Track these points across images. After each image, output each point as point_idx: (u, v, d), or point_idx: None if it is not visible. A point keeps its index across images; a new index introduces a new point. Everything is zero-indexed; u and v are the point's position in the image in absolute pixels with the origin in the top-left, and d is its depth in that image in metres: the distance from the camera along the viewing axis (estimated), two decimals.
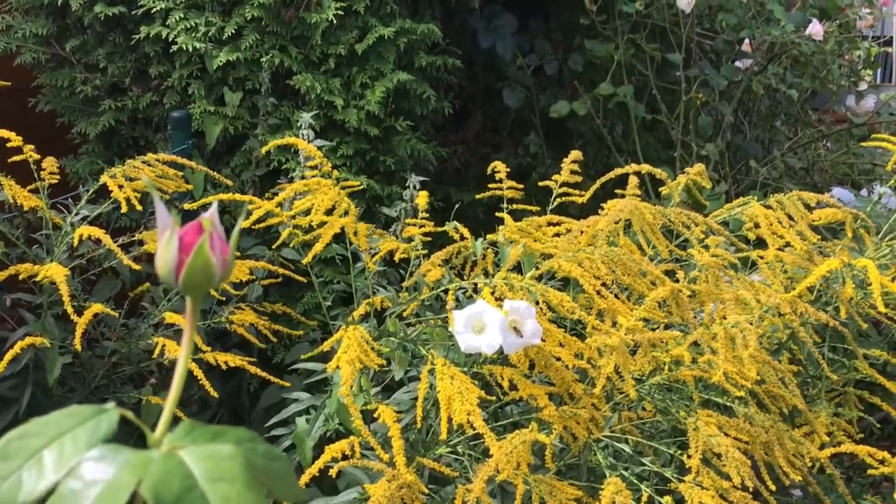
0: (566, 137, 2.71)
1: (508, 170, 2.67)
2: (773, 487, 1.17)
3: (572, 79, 2.49)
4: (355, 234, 1.19)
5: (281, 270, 1.51)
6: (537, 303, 1.20)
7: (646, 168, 1.52)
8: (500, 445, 1.02)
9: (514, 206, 1.61)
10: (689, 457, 1.10)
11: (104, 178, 1.37)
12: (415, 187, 1.71)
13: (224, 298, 1.80)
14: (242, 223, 1.28)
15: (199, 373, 1.33)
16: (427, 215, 2.32)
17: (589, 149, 2.72)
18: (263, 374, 1.44)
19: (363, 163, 2.08)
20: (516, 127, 2.78)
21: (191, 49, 2.00)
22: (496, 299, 1.19)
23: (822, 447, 1.38)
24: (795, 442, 1.22)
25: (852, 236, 1.53)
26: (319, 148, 1.73)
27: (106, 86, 2.16)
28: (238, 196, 1.24)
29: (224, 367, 1.46)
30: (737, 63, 2.80)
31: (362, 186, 1.41)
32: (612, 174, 1.50)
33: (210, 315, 1.77)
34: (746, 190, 2.52)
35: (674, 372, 1.19)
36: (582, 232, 1.39)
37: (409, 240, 1.45)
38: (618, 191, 1.68)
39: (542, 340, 1.17)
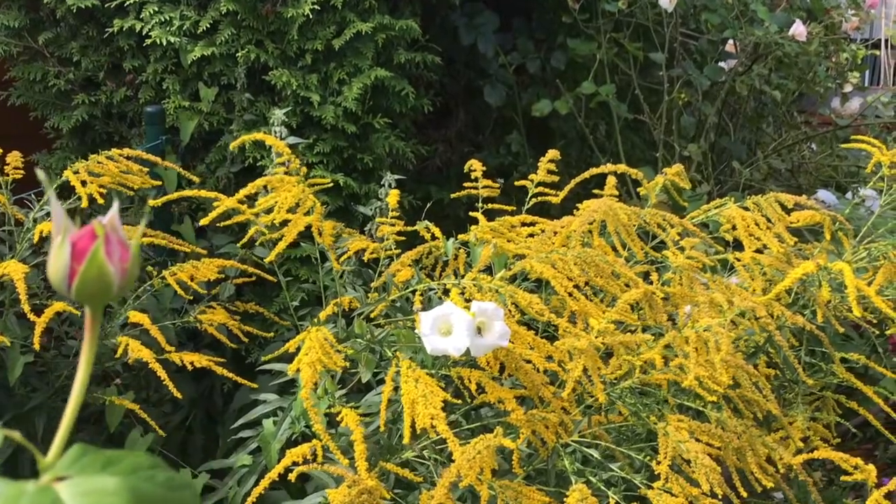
0: (549, 137, 2.69)
1: (488, 169, 2.65)
2: (744, 494, 1.15)
3: (555, 77, 2.46)
4: (320, 233, 1.16)
5: (250, 269, 1.48)
6: (515, 305, 1.18)
7: (622, 168, 1.50)
8: (463, 451, 0.99)
9: (490, 206, 1.58)
10: (658, 462, 1.07)
11: (67, 174, 1.33)
12: (390, 185, 1.68)
13: (192, 298, 1.78)
14: (204, 221, 1.25)
15: (162, 374, 1.30)
16: (403, 214, 2.29)
17: (572, 149, 2.70)
18: (231, 375, 1.42)
19: (340, 160, 2.05)
20: (499, 126, 2.76)
21: (165, 43, 1.97)
22: (466, 301, 1.16)
23: (798, 452, 1.36)
24: (768, 448, 1.19)
25: (831, 239, 1.51)
26: (294, 145, 1.71)
27: (79, 80, 2.13)
28: (203, 192, 1.21)
29: (190, 367, 1.43)
30: (721, 64, 2.78)
31: (330, 184, 1.38)
32: (587, 174, 1.48)
33: (182, 314, 1.74)
34: (729, 192, 2.50)
35: (646, 376, 1.17)
36: (556, 233, 1.37)
37: (384, 239, 1.43)
38: (597, 191, 1.66)
39: (511, 343, 1.15)
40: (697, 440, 1.15)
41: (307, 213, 1.16)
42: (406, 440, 1.02)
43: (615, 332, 1.21)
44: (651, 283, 1.33)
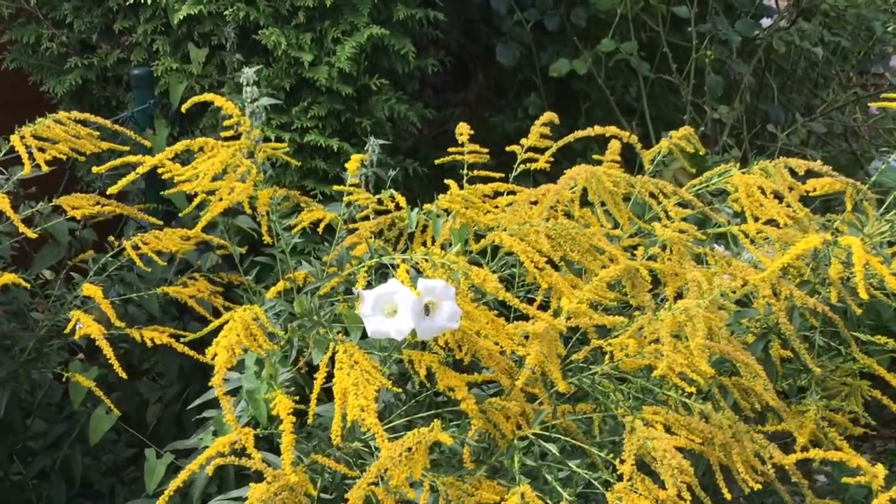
0: (572, 99, 2.54)
1: (506, 134, 2.51)
2: (727, 496, 1.02)
3: (575, 35, 2.31)
4: (251, 204, 1.06)
5: (216, 240, 1.39)
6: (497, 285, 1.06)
7: (612, 130, 1.36)
8: (391, 447, 0.89)
9: (476, 173, 1.46)
10: (622, 461, 0.96)
11: (13, 138, 1.26)
12: (374, 151, 1.57)
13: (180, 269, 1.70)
14: (170, 192, 1.16)
15: (108, 351, 1.22)
16: (413, 184, 2.18)
17: (597, 112, 2.54)
18: (192, 353, 1.34)
19: (338, 124, 1.94)
20: (524, 89, 2.62)
21: (153, 2, 1.88)
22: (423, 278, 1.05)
23: (804, 448, 1.23)
24: (757, 444, 1.06)
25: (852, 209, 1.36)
26: (267, 107, 1.61)
27: (74, 43, 2.06)
28: (138, 157, 1.11)
29: (150, 343, 1.35)
30: (762, 20, 2.58)
31: (286, 148, 1.28)
32: (571, 137, 1.34)
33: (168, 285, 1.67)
34: (764, 158, 2.32)
35: (616, 362, 1.04)
36: (535, 202, 1.25)
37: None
38: (597, 157, 1.52)
39: (470, 323, 1.04)
40: (675, 434, 1.02)
41: (241, 180, 1.06)
42: (334, 435, 0.92)
43: (589, 312, 1.09)
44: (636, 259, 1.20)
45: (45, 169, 1.24)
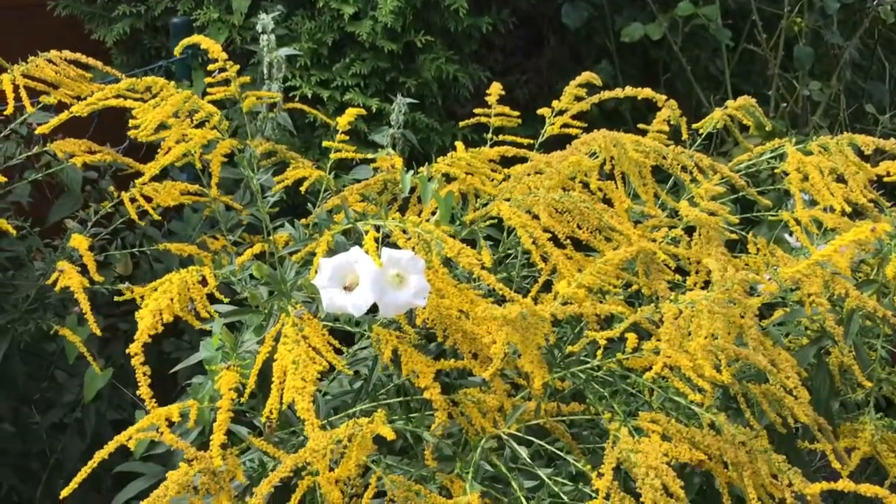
0: (649, 68, 2.35)
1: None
2: None
3: None
4: (199, 155, 0.95)
5: (203, 200, 1.30)
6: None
7: (646, 93, 1.20)
8: (317, 437, 0.77)
9: (503, 137, 1.32)
10: (600, 475, 0.81)
11: (3, 78, 1.19)
12: (400, 110, 1.45)
13: None
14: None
15: (85, 305, 1.15)
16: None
17: (678, 82, 2.35)
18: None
19: (382, 84, 1.83)
20: (602, 56, 2.44)
21: None
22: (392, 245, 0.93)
23: (858, 475, 1.05)
24: (776, 467, 0.90)
25: None
26: (288, 57, 1.51)
27: None
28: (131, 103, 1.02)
29: (140, 300, 1.27)
30: None
31: (276, 97, 1.17)
32: (595, 98, 1.19)
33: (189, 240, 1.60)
34: None
35: (608, 360, 0.90)
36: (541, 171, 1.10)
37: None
38: (641, 126, 1.35)
39: (445, 300, 0.91)
40: (672, 445, 0.87)
41: (197, 127, 0.96)
42: (264, 418, 0.81)
43: (589, 299, 0.94)
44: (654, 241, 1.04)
45: (30, 110, 1.16)
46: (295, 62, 1.76)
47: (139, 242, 1.62)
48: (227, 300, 1.04)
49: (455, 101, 2.01)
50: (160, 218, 1.31)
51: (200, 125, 0.94)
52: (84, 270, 1.27)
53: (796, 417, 1.01)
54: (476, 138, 2.02)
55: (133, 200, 1.30)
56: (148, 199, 1.34)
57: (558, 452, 0.86)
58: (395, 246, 0.94)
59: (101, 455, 0.86)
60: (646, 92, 1.20)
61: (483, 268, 0.89)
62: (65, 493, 0.85)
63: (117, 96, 0.98)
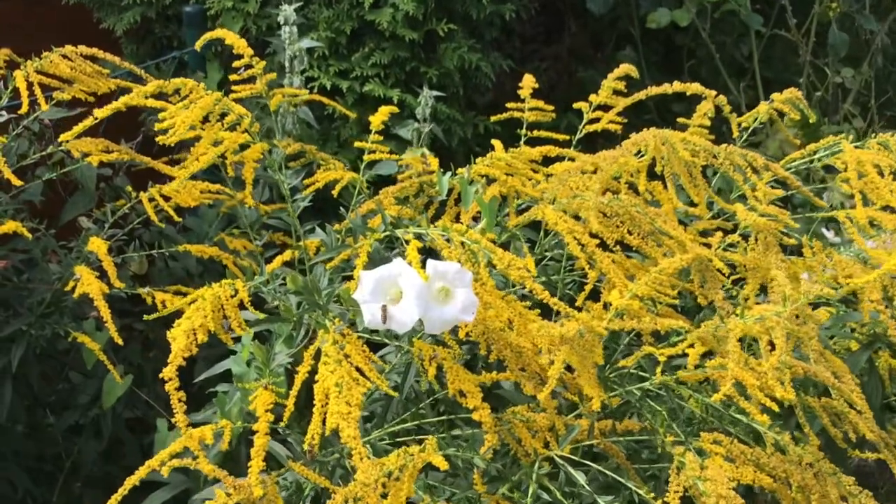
0: (674, 55, 2.28)
1: (594, 90, 2.28)
2: None
3: None
4: (224, 158, 0.90)
5: (231, 201, 1.24)
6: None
7: (694, 88, 1.14)
8: (367, 469, 0.72)
9: (539, 134, 1.26)
10: None
11: (17, 74, 1.13)
12: (427, 103, 1.39)
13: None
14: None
15: (106, 313, 1.10)
16: (482, 143, 1.98)
17: (702, 71, 2.28)
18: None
19: (403, 74, 1.77)
20: (623, 42, 2.37)
21: None
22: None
23: None
24: (849, 493, 0.85)
25: None
26: (312, 49, 1.44)
27: None
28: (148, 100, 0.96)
29: (161, 307, 1.22)
30: None
31: (305, 95, 1.11)
32: (643, 94, 1.13)
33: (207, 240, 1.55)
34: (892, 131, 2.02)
35: (665, 377, 0.85)
36: (593, 171, 1.04)
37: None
38: (682, 121, 1.29)
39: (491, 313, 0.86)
40: (734, 467, 0.82)
41: (227, 130, 0.90)
42: (307, 444, 0.76)
43: (643, 311, 0.89)
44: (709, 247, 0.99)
45: (44, 107, 1.10)
46: (312, 52, 1.70)
47: (156, 242, 1.57)
48: (253, 310, 0.99)
49: (475, 91, 1.94)
50: (178, 217, 1.25)
51: (232, 128, 0.88)
52: (101, 274, 1.23)
53: (858, 432, 0.96)
54: (498, 130, 1.96)
55: (151, 200, 1.25)
56: (166, 199, 1.29)
57: (618, 479, 0.81)
58: (434, 255, 0.89)
59: (130, 483, 0.81)
60: (695, 87, 1.14)
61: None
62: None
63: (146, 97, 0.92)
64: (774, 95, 1.23)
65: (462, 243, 0.85)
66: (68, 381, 1.60)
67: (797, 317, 0.84)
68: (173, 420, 1.22)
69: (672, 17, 1.95)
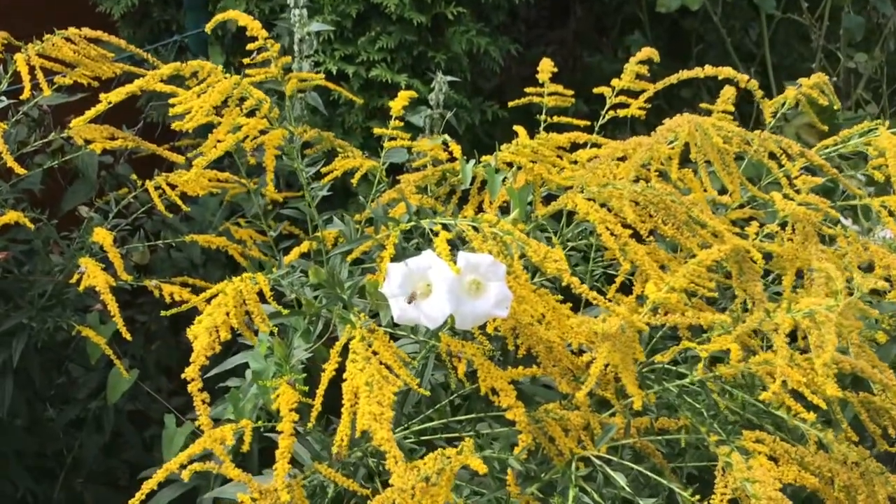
0: (683, 40, 2.24)
1: (602, 76, 2.24)
2: None
3: None
4: (237, 146, 0.85)
5: (235, 189, 1.20)
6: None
7: (727, 72, 1.10)
8: (402, 473, 0.68)
9: (559, 119, 1.22)
10: None
11: (17, 58, 1.08)
12: (440, 89, 1.35)
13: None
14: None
15: (113, 307, 1.05)
16: (490, 129, 1.94)
17: (710, 56, 2.24)
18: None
19: (410, 59, 1.72)
20: (629, 25, 2.33)
21: None
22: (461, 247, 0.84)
23: None
24: (893, 487, 0.82)
25: None
26: (331, 36, 1.40)
27: None
28: (155, 83, 0.92)
29: (169, 299, 1.18)
30: None
31: (319, 79, 1.06)
32: (674, 77, 1.09)
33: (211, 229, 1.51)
34: None
35: (706, 373, 0.81)
36: (622, 159, 1.01)
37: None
38: (705, 106, 1.26)
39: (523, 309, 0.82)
40: (777, 466, 0.79)
41: (246, 115, 0.86)
42: (336, 447, 0.72)
43: (681, 305, 0.86)
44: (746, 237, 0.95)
45: (47, 93, 1.06)
46: (318, 36, 1.65)
47: (159, 231, 1.52)
48: (275, 305, 0.95)
49: (481, 76, 1.90)
50: (184, 206, 1.21)
51: (251, 114, 0.84)
52: (107, 265, 1.18)
53: None
54: (504, 115, 1.92)
55: (157, 188, 1.20)
56: (172, 187, 1.24)
57: (660, 480, 0.78)
58: (456, 247, 0.85)
59: (148, 488, 0.77)
60: (727, 71, 1.10)
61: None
62: None
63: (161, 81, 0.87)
64: (802, 80, 1.20)
65: (493, 235, 0.81)
66: (68, 375, 1.56)
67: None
68: (187, 419, 1.17)
69: (683, 0, 1.91)
